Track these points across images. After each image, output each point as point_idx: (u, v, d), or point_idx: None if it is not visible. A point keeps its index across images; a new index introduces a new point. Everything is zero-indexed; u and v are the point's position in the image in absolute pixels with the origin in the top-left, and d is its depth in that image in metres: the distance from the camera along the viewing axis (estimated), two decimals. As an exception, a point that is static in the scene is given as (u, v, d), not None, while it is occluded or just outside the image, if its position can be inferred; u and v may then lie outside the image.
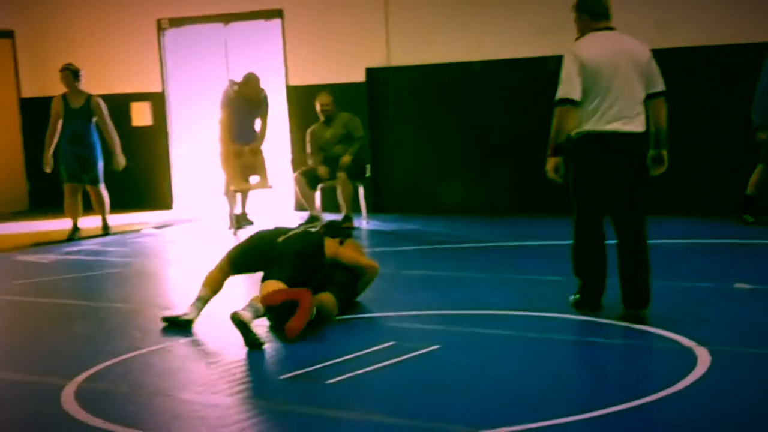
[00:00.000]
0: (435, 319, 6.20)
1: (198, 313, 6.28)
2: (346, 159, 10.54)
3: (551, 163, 5.92)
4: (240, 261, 6.40)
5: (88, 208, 11.03)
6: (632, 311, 5.86)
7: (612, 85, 5.86)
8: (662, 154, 6.03)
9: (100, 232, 10.97)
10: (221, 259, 6.45)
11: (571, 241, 6.15)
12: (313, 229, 6.66)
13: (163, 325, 6.26)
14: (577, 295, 6.17)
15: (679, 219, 9.97)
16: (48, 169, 10.83)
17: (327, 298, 6.15)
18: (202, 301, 6.32)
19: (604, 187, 5.94)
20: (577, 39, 6.11)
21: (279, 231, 6.52)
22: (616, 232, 5.98)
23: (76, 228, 10.88)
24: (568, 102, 5.86)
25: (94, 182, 10.85)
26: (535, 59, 10.81)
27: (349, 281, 6.49)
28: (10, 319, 7.17)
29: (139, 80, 13.54)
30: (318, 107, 10.84)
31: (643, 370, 4.91)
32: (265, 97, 11.13)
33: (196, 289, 6.35)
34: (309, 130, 10.98)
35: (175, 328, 6.17)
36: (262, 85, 11.12)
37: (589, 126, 5.87)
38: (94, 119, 10.78)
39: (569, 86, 5.87)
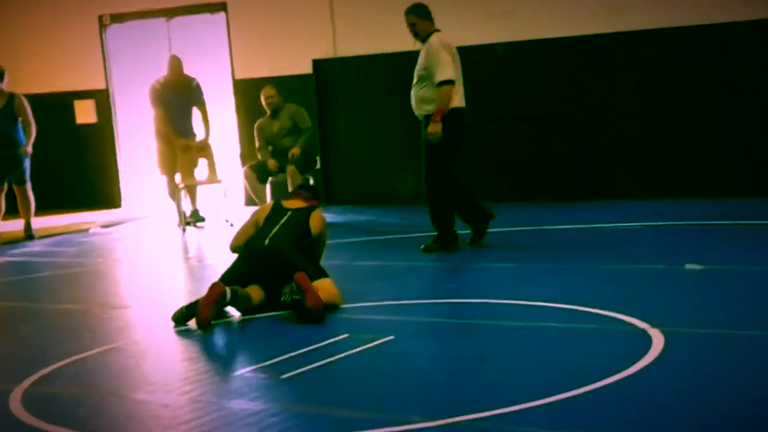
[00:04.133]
0: (387, 309, 6.16)
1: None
2: (295, 151, 10.44)
3: (439, 127, 7.70)
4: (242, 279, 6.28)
5: (12, 211, 10.74)
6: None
7: (459, 72, 7.88)
8: None
9: (22, 235, 10.62)
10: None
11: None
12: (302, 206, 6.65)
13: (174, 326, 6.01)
14: (431, 243, 7.95)
15: (631, 202, 10.05)
16: None
17: (326, 286, 6.15)
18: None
19: (459, 147, 7.96)
20: (420, 38, 7.91)
21: (264, 231, 6.45)
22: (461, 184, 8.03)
23: None
24: (452, 82, 7.74)
25: (21, 182, 10.48)
26: (482, 47, 10.81)
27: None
28: (-44, 324, 7.01)
29: (82, 78, 13.37)
30: (263, 100, 10.74)
31: (597, 354, 4.88)
32: (197, 86, 10.96)
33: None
34: (256, 124, 10.87)
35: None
36: (201, 76, 11.00)
37: (455, 103, 7.80)
38: (20, 118, 10.42)
39: (450, 70, 7.73)
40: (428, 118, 7.79)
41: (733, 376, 4.38)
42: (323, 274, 6.25)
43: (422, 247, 7.99)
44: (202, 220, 10.95)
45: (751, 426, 3.78)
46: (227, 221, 10.37)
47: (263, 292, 6.23)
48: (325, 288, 6.10)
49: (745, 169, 10.03)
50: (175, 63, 10.86)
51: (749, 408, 3.96)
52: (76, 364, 5.35)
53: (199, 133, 10.96)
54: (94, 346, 5.69)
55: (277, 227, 6.41)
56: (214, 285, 5.97)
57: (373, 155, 11.68)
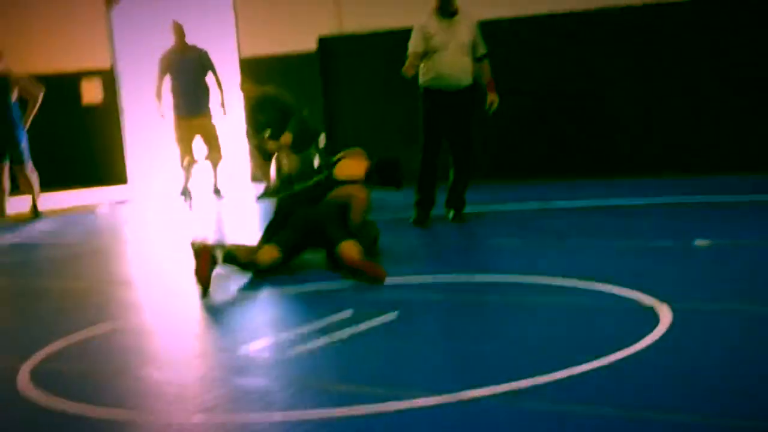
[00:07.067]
0: (393, 285, 6.13)
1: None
2: (285, 139, 10.42)
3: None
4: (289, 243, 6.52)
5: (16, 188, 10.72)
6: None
7: None
8: None
9: (29, 215, 10.60)
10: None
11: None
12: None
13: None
14: (463, 213, 8.35)
15: (639, 180, 10.00)
16: None
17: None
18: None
19: None
20: (450, 11, 8.08)
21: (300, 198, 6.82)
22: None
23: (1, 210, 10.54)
24: None
25: (19, 161, 10.46)
26: (488, 22, 10.73)
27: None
28: (-37, 302, 7.02)
29: (88, 57, 13.31)
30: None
31: (605, 330, 4.85)
32: (206, 54, 10.94)
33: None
34: (246, 112, 10.89)
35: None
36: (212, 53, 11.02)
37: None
38: (14, 96, 10.34)
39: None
40: (469, 88, 8.18)
41: (743, 352, 4.35)
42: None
43: (450, 217, 8.38)
44: (220, 196, 11.00)
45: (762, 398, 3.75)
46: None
47: (279, 253, 6.29)
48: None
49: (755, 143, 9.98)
50: (176, 27, 10.91)
51: (758, 382, 3.93)
52: (83, 341, 5.35)
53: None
54: (100, 324, 5.68)
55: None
56: (203, 247, 6.06)
57: (380, 133, 11.62)
